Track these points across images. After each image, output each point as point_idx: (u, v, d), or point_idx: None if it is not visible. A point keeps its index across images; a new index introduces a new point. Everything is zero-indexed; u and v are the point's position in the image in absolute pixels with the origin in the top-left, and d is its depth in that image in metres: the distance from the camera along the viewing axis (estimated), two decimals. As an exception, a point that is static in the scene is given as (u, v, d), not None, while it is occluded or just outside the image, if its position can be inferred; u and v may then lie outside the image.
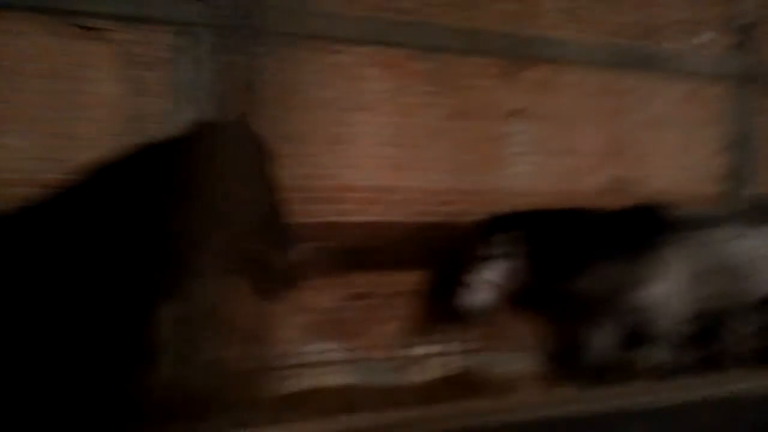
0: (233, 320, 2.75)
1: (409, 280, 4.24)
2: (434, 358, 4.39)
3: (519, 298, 4.15)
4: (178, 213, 1.97)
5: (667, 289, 3.41)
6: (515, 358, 4.58)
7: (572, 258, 3.53)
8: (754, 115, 5.40)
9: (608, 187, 4.78)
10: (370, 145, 4.15)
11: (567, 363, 4.53)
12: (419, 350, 4.36)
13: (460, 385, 4.28)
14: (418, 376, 4.32)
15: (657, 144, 4.99)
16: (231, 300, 2.45)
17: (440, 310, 4.33)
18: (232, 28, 3.16)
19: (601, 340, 3.52)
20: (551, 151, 4.63)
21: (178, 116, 3.43)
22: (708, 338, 5.09)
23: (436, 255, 3.92)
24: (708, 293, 3.48)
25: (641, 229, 3.56)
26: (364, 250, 4.17)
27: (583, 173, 4.72)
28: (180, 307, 2.37)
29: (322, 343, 4.15)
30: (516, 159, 4.54)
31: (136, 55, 3.51)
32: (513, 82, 4.51)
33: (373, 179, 4.17)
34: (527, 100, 4.54)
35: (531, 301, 4.36)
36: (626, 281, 3.45)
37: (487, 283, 3.52)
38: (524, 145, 4.56)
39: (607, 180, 4.79)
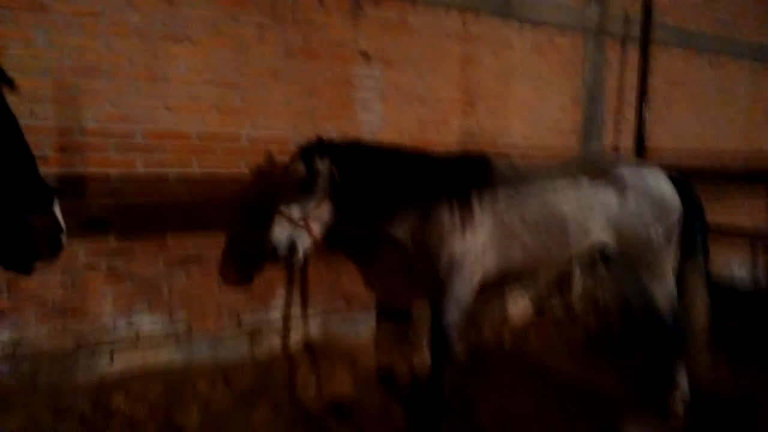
0: None
1: (241, 240, 3.80)
2: (273, 327, 4.04)
3: (337, 242, 4.01)
4: None
5: (477, 241, 3.33)
6: (358, 320, 4.41)
7: (387, 199, 3.39)
8: (604, 69, 5.54)
9: (459, 138, 4.64)
10: (191, 84, 3.62)
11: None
12: (256, 319, 3.99)
13: (303, 356, 3.99)
14: (256, 348, 3.97)
15: (509, 94, 4.96)
16: None
17: (277, 273, 4.00)
18: None
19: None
20: (401, 98, 4.44)
21: None
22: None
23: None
24: (527, 245, 3.46)
25: (463, 177, 3.46)
26: (189, 208, 3.67)
27: (435, 123, 4.60)
28: None
29: (144, 315, 3.73)
30: (363, 106, 4.23)
31: None
32: (361, 20, 4.14)
33: (196, 125, 3.69)
34: (376, 40, 4.26)
35: (351, 246, 4.23)
36: (437, 230, 3.34)
37: (291, 217, 3.22)
38: (372, 90, 4.28)
39: (458, 131, 4.66)
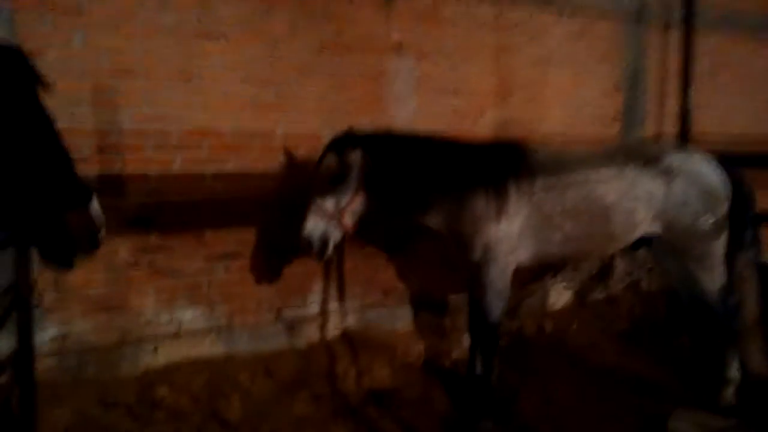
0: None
1: (277, 235, 3.84)
2: (312, 320, 4.07)
3: (372, 234, 4.01)
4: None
5: (512, 230, 3.29)
6: (398, 313, 4.40)
7: (420, 188, 3.35)
8: (646, 54, 5.37)
9: (496, 129, 4.57)
10: (225, 82, 3.68)
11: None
12: (295, 312, 4.03)
13: (342, 348, 4.01)
14: (296, 340, 4.00)
15: (547, 83, 4.86)
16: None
17: (314, 267, 4.02)
18: None
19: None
20: (435, 90, 4.40)
21: None
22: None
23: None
24: (569, 235, 3.37)
25: (498, 165, 3.38)
26: (226, 205, 3.73)
27: (470, 115, 4.55)
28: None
29: (186, 310, 3.80)
30: (397, 99, 4.22)
31: None
32: (393, 12, 4.13)
33: (230, 122, 3.75)
34: (408, 32, 4.24)
35: (386, 238, 4.23)
36: (471, 219, 3.28)
37: (324, 210, 3.22)
38: (405, 83, 4.25)
39: (495, 122, 4.61)
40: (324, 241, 3.22)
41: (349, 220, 3.25)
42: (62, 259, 2.01)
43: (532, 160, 3.40)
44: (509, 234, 3.27)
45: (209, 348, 3.82)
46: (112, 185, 3.48)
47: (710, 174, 3.45)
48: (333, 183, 3.21)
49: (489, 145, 3.54)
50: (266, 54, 3.80)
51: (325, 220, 3.20)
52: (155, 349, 3.66)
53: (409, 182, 3.32)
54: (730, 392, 3.53)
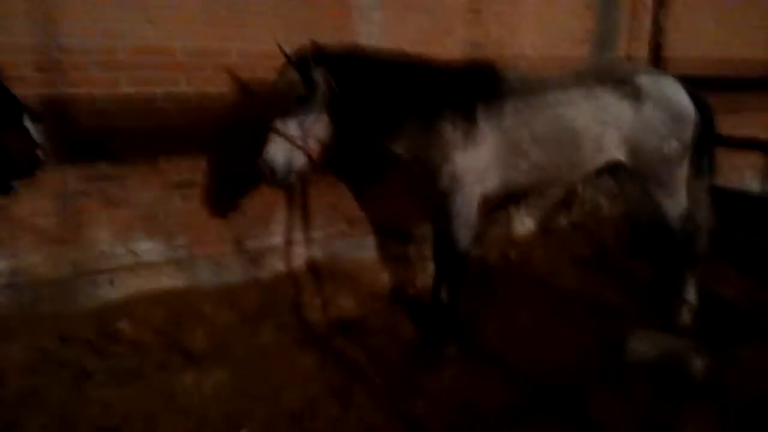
0: None
1: (236, 162, 3.68)
2: (276, 250, 4.00)
3: (335, 161, 3.89)
4: None
5: (479, 157, 3.18)
6: (364, 243, 4.37)
7: (387, 112, 3.16)
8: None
9: (465, 50, 4.39)
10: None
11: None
12: (258, 243, 3.94)
13: (307, 278, 3.98)
14: (259, 271, 3.94)
15: (517, 3, 4.60)
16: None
17: (277, 196, 3.92)
18: None
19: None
20: (402, 6, 4.14)
21: None
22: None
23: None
24: (536, 162, 3.31)
25: (467, 88, 3.23)
26: (180, 130, 3.53)
27: (438, 34, 4.34)
28: None
29: (142, 242, 3.68)
30: (361, 15, 3.97)
31: None
32: None
33: (181, 39, 3.47)
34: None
35: (349, 166, 4.15)
36: (438, 146, 3.15)
37: (287, 133, 2.96)
38: (372, -2, 3.96)
39: (463, 42, 4.40)
40: (288, 168, 3.00)
41: (313, 146, 3.04)
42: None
43: (501, 85, 3.27)
44: (477, 162, 3.18)
45: (169, 280, 3.73)
46: (53, 107, 3.24)
47: (679, 98, 3.41)
48: (297, 103, 2.95)
49: (458, 67, 3.34)
50: (218, -37, 3.49)
51: (288, 145, 2.97)
52: (112, 281, 3.56)
53: (376, 105, 3.11)
54: (686, 314, 3.67)
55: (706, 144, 3.55)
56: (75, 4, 3.18)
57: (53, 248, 3.41)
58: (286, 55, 3.00)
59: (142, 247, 3.66)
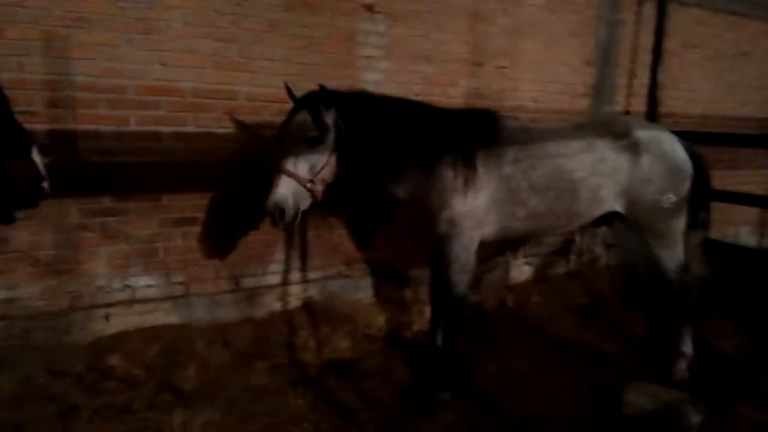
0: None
1: (238, 201, 3.73)
2: (273, 290, 4.00)
3: (341, 202, 4.00)
4: None
5: (478, 203, 3.21)
6: (361, 284, 4.37)
7: (390, 155, 3.18)
8: (618, 29, 5.36)
9: (467, 100, 4.51)
10: (186, 37, 3.49)
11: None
12: (255, 281, 3.95)
13: (303, 318, 3.96)
14: (255, 310, 3.93)
15: (519, 54, 4.81)
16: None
17: (276, 235, 3.95)
18: None
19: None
20: (407, 56, 4.29)
21: None
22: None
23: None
24: (534, 211, 3.35)
25: (469, 134, 3.29)
26: (184, 168, 3.60)
27: (441, 83, 4.47)
28: None
29: (140, 277, 3.70)
30: (368, 64, 4.10)
31: None
32: (366, -29, 3.98)
33: (191, 80, 3.59)
34: (381, -6, 4.05)
35: (356, 208, 4.19)
36: (438, 190, 3.18)
37: (297, 175, 2.94)
38: (377, 47, 4.13)
39: (466, 91, 4.53)
40: (296, 210, 2.98)
41: (320, 187, 3.04)
42: (2, 212, 1.90)
43: (502, 133, 3.33)
44: (476, 208, 3.21)
45: (164, 316, 3.72)
46: (62, 142, 3.32)
47: (676, 152, 3.48)
48: (308, 145, 2.95)
49: (460, 114, 3.42)
50: (230, 10, 3.62)
51: (298, 187, 2.95)
52: (107, 316, 3.55)
53: (381, 147, 3.14)
54: (683, 367, 3.64)
55: (701, 198, 3.60)
56: (90, 44, 3.30)
57: (50, 281, 3.42)
58: (292, 96, 3.07)
59: (140, 282, 3.67)
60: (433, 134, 3.20)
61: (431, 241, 3.34)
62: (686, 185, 3.47)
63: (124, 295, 3.62)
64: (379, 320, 4.20)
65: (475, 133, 3.27)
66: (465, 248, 3.26)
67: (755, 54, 6.56)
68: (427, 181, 3.19)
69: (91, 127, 3.37)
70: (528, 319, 4.58)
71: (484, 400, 3.34)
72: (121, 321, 3.59)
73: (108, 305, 3.58)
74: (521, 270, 5.18)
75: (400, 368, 3.69)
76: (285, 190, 2.92)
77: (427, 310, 3.91)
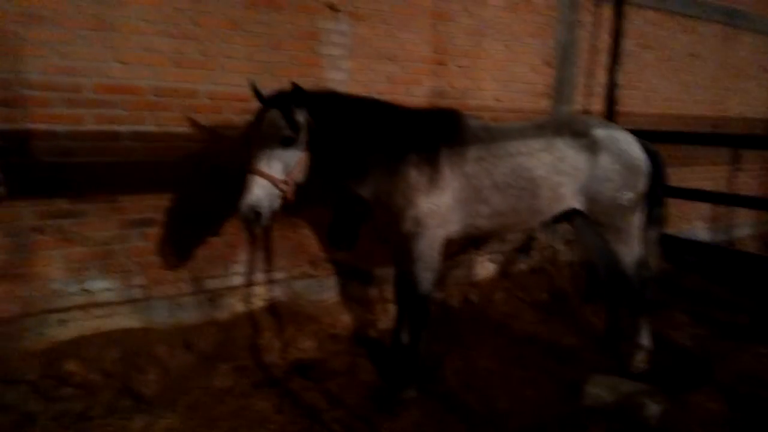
0: None
1: (201, 201, 3.67)
2: (236, 291, 3.95)
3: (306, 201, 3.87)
4: None
5: (444, 201, 3.25)
6: (326, 284, 4.35)
7: (357, 155, 3.19)
8: (577, 30, 5.47)
9: (430, 99, 4.54)
10: (143, 35, 3.42)
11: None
12: (217, 283, 3.89)
13: (267, 319, 3.92)
14: (218, 312, 3.87)
15: (481, 54, 4.86)
16: None
17: (238, 236, 3.90)
18: None
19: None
20: (370, 55, 4.29)
21: None
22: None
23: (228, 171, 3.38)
24: (497, 209, 3.41)
25: (434, 135, 3.31)
26: (144, 168, 3.52)
27: (405, 83, 4.47)
28: None
29: (98, 280, 3.59)
30: (331, 63, 4.09)
31: None
32: (328, -30, 3.96)
33: (149, 79, 3.52)
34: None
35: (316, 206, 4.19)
36: (403, 189, 3.20)
37: (271, 176, 2.90)
38: (340, 47, 4.12)
39: (429, 91, 4.56)
40: (271, 210, 2.93)
41: (293, 187, 3.00)
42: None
43: (465, 132, 3.37)
44: (440, 207, 3.24)
45: (124, 320, 3.63)
46: (15, 142, 3.20)
47: (632, 151, 3.58)
48: (282, 144, 2.91)
49: (425, 113, 3.44)
50: (190, 7, 3.55)
51: (271, 187, 2.90)
52: (63, 321, 3.44)
53: (349, 147, 3.14)
54: (642, 359, 3.75)
55: (657, 194, 3.72)
56: (43, 41, 3.19)
57: (2, 285, 3.29)
58: (259, 95, 3.03)
59: (97, 285, 3.57)
60: (398, 134, 3.21)
61: (396, 239, 3.35)
62: (643, 182, 3.58)
63: (81, 299, 3.52)
64: (345, 319, 4.19)
65: (439, 133, 3.29)
66: (430, 246, 3.29)
67: (706, 55, 6.79)
68: (392, 181, 3.20)
69: (45, 126, 3.26)
70: (492, 315, 4.64)
71: (450, 397, 3.37)
72: (78, 326, 3.49)
73: (64, 310, 3.47)
74: (485, 267, 5.24)
75: (366, 367, 3.70)
76: (260, 191, 2.87)
77: (393, 309, 3.93)
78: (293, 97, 2.93)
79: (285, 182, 2.95)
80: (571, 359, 3.90)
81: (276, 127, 2.91)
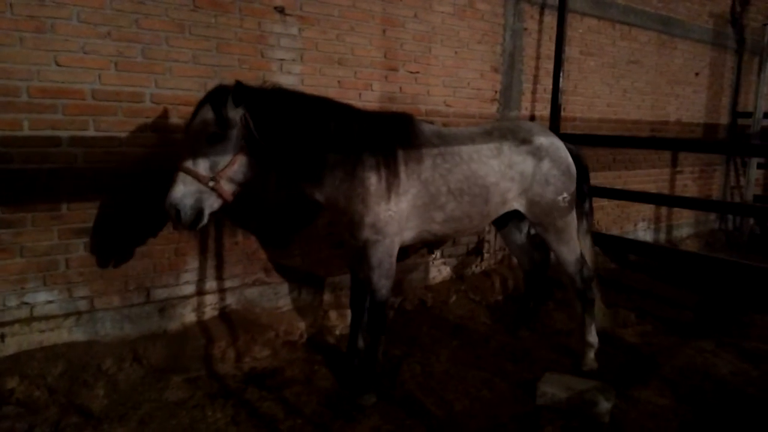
0: None
1: (147, 208, 3.58)
2: (187, 300, 3.87)
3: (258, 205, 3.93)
4: None
5: (401, 208, 3.28)
6: (281, 291, 4.32)
7: (309, 156, 3.15)
8: (523, 37, 5.64)
9: (381, 104, 4.59)
10: (82, 37, 3.33)
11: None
12: (167, 292, 3.79)
13: (220, 329, 3.85)
14: (168, 322, 3.78)
15: (431, 60, 4.95)
16: None
17: (190, 242, 3.82)
18: None
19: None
20: (321, 60, 4.31)
21: None
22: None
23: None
24: (450, 214, 3.48)
25: (390, 140, 3.32)
26: (86, 174, 3.42)
27: (356, 87, 4.51)
28: None
29: (39, 292, 3.46)
30: (280, 67, 4.08)
31: None
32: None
33: (90, 82, 3.43)
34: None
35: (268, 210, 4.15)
36: (361, 195, 3.20)
37: (197, 174, 2.86)
38: (290, 50, 4.11)
39: (381, 95, 4.61)
40: (197, 210, 2.90)
41: (227, 187, 2.96)
42: None
43: (420, 137, 3.40)
44: (398, 213, 3.26)
45: (68, 334, 3.50)
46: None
47: (567, 156, 3.81)
48: (209, 142, 2.88)
49: (380, 116, 3.45)
50: (132, 8, 3.47)
51: (198, 186, 2.88)
52: (2, 336, 3.28)
53: (300, 148, 3.09)
54: (591, 356, 3.88)
55: (583, 191, 3.97)
56: (-28, 41, 3.06)
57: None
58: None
59: (39, 298, 3.42)
60: (353, 136, 3.19)
61: (354, 246, 3.36)
62: (574, 184, 3.81)
63: (22, 313, 3.37)
64: (301, 326, 4.16)
65: (395, 137, 3.31)
66: (388, 254, 3.31)
67: (645, 62, 7.14)
68: (349, 186, 3.18)
69: (-23, 132, 3.12)
70: (448, 317, 4.71)
71: (408, 401, 3.40)
72: (19, 341, 3.34)
73: (4, 324, 3.31)
74: (440, 270, 5.32)
75: (323, 374, 3.68)
76: (182, 188, 2.86)
77: (349, 314, 3.93)
78: (230, 94, 2.90)
79: (213, 180, 2.91)
80: (525, 358, 4.01)
81: (204, 123, 2.89)
